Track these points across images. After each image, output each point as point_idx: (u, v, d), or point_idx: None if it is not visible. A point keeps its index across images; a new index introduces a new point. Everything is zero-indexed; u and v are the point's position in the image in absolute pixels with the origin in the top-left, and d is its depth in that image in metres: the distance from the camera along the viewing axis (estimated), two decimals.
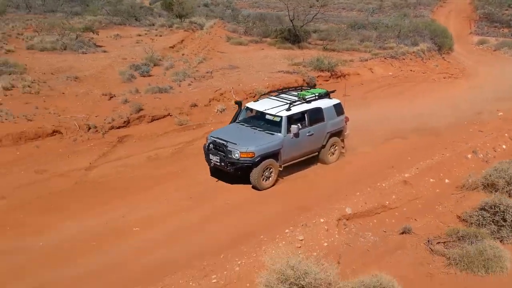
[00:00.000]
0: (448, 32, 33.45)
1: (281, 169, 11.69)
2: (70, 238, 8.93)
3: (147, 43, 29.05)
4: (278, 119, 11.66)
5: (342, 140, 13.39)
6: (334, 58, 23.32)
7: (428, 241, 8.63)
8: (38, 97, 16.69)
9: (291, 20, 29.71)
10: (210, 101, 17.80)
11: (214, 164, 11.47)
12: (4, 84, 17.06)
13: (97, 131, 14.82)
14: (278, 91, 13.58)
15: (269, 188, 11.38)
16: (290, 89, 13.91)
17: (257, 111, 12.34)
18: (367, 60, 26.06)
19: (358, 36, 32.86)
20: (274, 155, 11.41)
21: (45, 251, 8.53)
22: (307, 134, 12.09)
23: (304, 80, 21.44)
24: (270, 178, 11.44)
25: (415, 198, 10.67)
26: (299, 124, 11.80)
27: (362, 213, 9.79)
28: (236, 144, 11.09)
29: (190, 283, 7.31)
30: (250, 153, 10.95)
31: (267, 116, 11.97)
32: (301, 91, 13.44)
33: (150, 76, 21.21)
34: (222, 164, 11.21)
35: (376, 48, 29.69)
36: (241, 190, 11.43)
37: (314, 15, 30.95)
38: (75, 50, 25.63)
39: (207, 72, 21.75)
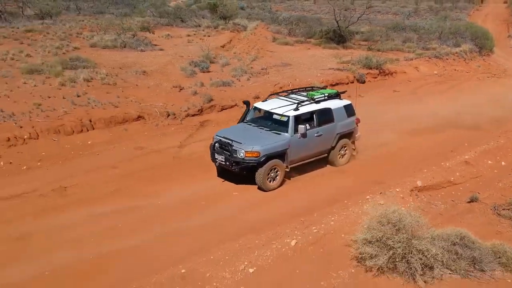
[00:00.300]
0: (489, 34, 34.33)
1: (287, 169, 11.53)
2: (183, 199, 10.62)
3: (198, 42, 30.99)
4: (285, 118, 11.55)
5: (353, 142, 13.14)
6: (382, 57, 24.63)
7: (494, 207, 9.99)
8: (116, 88, 18.61)
9: (336, 21, 31.11)
10: (270, 94, 19.36)
11: (220, 163, 11.40)
12: (85, 76, 19.06)
13: (175, 117, 16.60)
14: (287, 91, 13.51)
15: (274, 189, 11.23)
16: (300, 89, 13.72)
17: (265, 111, 12.25)
18: (412, 59, 27.33)
19: (400, 38, 34.04)
20: (280, 155, 11.26)
21: (164, 208, 10.22)
22: (315, 134, 11.92)
23: (354, 77, 22.88)
24: (276, 179, 11.30)
25: (476, 176, 11.97)
26: (306, 124, 11.64)
27: (430, 186, 11.17)
28: (241, 143, 11.00)
29: (296, 232, 8.85)
30: (255, 153, 10.83)
31: (274, 116, 11.86)
32: (312, 91, 13.25)
33: (209, 72, 22.97)
34: (227, 163, 11.13)
35: (419, 49, 30.88)
36: (316, 166, 12.86)
37: (359, 17, 32.25)
38: (134, 48, 27.68)
39: (262, 69, 23.41)
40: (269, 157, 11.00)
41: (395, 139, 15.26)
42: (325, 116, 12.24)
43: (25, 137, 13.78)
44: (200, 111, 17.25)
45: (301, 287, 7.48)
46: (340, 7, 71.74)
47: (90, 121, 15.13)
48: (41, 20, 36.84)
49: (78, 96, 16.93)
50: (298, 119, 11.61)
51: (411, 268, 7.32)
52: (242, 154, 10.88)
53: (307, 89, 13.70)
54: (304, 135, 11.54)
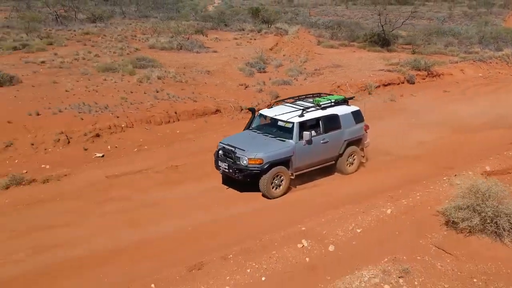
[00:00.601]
0: None
1: (293, 177, 11.43)
2: None
3: (246, 45, 32.91)
4: (290, 125, 11.47)
5: (362, 149, 12.98)
6: (430, 59, 26.03)
7: None
8: (188, 85, 20.47)
9: (381, 26, 32.56)
10: (330, 92, 20.97)
11: (223, 170, 11.41)
12: (158, 74, 20.98)
13: (248, 111, 18.32)
14: (294, 98, 13.37)
15: (279, 197, 11.23)
16: (307, 95, 13.52)
17: (270, 118, 12.21)
18: (457, 62, 28.61)
19: (441, 42, 35.32)
20: (285, 162, 11.20)
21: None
22: (322, 141, 11.82)
23: (405, 78, 24.31)
24: (281, 186, 11.25)
25: None
26: (312, 131, 11.57)
27: (498, 171, 12.52)
28: (244, 150, 10.99)
29: (388, 203, 10.38)
30: (259, 160, 10.80)
31: (279, 123, 11.80)
32: (319, 97, 13.10)
33: (265, 72, 24.73)
34: (230, 170, 11.12)
35: (462, 53, 32.14)
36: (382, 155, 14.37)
37: (403, 21, 33.65)
38: (189, 50, 29.69)
39: (316, 70, 25.07)
40: (273, 164, 10.93)
41: (452, 133, 16.66)
42: (332, 122, 12.06)
43: (123, 125, 15.70)
44: (269, 106, 18.85)
45: (403, 244, 8.98)
46: (373, 12, 73.12)
47: (176, 113, 16.96)
48: (93, 24, 39.32)
49: (157, 92, 18.82)
50: (303, 126, 11.49)
51: (499, 228, 8.77)
52: (245, 162, 10.82)
53: (314, 95, 13.47)
54: (309, 142, 11.39)
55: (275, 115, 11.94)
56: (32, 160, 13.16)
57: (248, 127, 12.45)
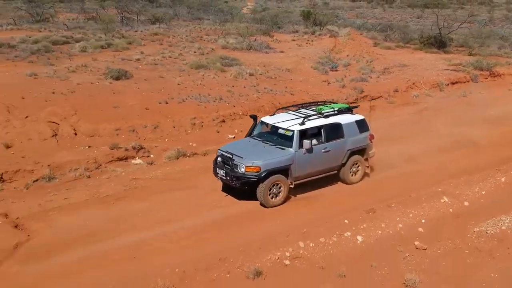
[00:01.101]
0: None
1: (292, 186, 11.40)
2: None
3: (305, 46, 35.55)
4: (290, 133, 11.43)
5: (367, 159, 12.88)
6: (492, 60, 28.34)
7: None
8: (277, 81, 23.16)
9: (439, 28, 34.91)
10: (407, 88, 23.51)
11: (221, 178, 11.49)
12: (249, 71, 23.73)
13: None
14: (297, 106, 13.41)
15: (277, 206, 11.24)
16: (311, 103, 13.57)
17: (271, 125, 12.19)
18: None
19: (494, 44, 37.50)
20: (283, 170, 11.15)
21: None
22: (323, 150, 11.76)
23: (470, 77, 26.66)
24: (279, 195, 11.20)
25: None
26: (312, 140, 11.59)
27: None
28: (242, 158, 10.99)
29: (500, 174, 12.88)
30: (256, 168, 10.77)
31: (280, 130, 11.78)
32: (324, 105, 13.12)
33: (337, 70, 27.31)
34: (228, 178, 11.17)
35: None
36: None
37: (460, 25, 35.94)
38: (258, 50, 32.40)
39: (385, 68, 27.54)
40: (271, 173, 10.90)
41: None
42: (334, 131, 12.00)
43: (240, 113, 18.42)
44: (356, 100, 21.53)
45: None
46: (413, 15, 75.10)
47: (279, 103, 19.62)
48: (153, 25, 42.45)
49: (254, 86, 21.54)
50: (304, 134, 11.48)
51: None
52: (242, 169, 10.84)
53: (318, 103, 13.48)
54: (309, 151, 11.35)
55: (276, 123, 11.93)
56: (179, 139, 15.93)
57: (249, 134, 12.45)
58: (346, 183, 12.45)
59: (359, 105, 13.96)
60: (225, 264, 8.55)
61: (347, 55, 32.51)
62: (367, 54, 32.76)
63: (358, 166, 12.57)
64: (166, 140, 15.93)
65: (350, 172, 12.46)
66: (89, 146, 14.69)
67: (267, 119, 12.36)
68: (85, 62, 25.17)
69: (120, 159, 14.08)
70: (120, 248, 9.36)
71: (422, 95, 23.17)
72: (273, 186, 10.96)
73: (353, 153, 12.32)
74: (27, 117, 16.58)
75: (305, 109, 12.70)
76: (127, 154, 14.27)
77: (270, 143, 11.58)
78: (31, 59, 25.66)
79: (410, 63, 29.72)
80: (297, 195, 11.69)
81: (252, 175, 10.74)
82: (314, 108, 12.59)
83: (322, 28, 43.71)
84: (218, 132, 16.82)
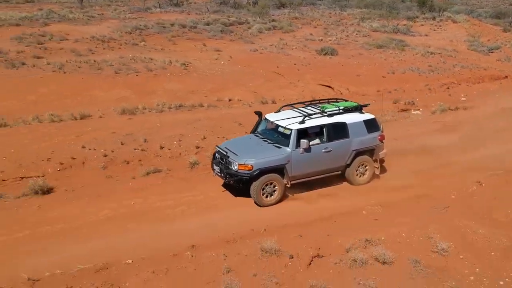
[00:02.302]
0: None
1: (288, 185, 11.33)
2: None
3: (435, 30, 40.41)
4: (288, 132, 11.45)
5: (376, 160, 12.49)
6: None
7: None
8: (456, 59, 28.17)
9: None
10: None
11: (216, 174, 11.75)
12: (429, 51, 28.86)
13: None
14: (305, 103, 13.10)
15: (271, 205, 11.20)
16: (321, 101, 13.16)
17: (273, 123, 12.12)
18: None
19: None
20: (278, 170, 11.16)
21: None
22: (323, 150, 11.61)
23: None
24: (274, 195, 11.21)
25: None
26: (313, 139, 11.55)
27: None
28: (237, 155, 11.19)
29: None
30: (248, 166, 10.90)
31: (279, 128, 11.84)
32: (336, 101, 12.81)
33: (494, 52, 32.12)
34: (222, 174, 11.40)
35: None
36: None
37: None
38: (405, 33, 37.49)
39: None
40: (264, 171, 10.97)
41: None
42: (338, 131, 11.82)
43: (455, 82, 23.60)
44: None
45: None
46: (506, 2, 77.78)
47: (480, 76, 24.68)
48: (280, 10, 47.93)
49: (444, 62, 26.67)
50: (303, 133, 11.44)
51: None
52: (235, 167, 11.01)
53: (330, 100, 13.07)
54: (307, 150, 11.31)
55: (277, 120, 11.90)
56: (428, 98, 21.05)
57: (254, 130, 12.58)
58: (352, 184, 12.14)
59: (369, 104, 13.70)
60: None
61: (488, 40, 37.15)
62: (504, 38, 37.27)
63: (365, 167, 12.28)
64: (417, 99, 21.24)
65: (357, 173, 12.19)
66: (374, 101, 20.18)
67: (270, 116, 12.22)
68: (274, 41, 30.87)
69: (403, 110, 19.40)
70: None
71: None
72: (266, 185, 11.05)
73: (359, 153, 12.08)
74: (298, 80, 22.37)
75: (311, 107, 12.57)
76: (406, 107, 19.60)
77: (269, 141, 11.62)
78: (229, 38, 31.64)
79: None
80: (294, 194, 11.42)
81: (244, 173, 10.88)
82: (320, 106, 12.40)
83: (440, 14, 48.20)
84: (450, 95, 21.99)
